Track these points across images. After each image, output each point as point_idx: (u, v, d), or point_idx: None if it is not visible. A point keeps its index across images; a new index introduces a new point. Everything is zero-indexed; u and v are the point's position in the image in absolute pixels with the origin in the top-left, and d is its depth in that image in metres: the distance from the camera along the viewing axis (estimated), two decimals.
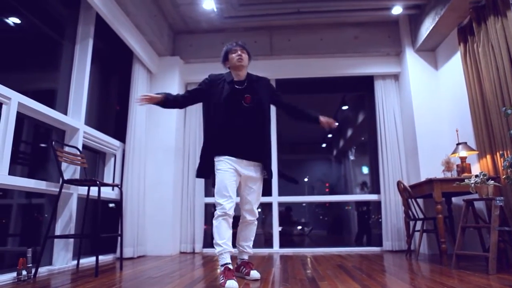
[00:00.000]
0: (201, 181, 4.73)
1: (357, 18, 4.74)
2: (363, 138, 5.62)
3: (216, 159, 2.42)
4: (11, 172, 2.57)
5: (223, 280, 2.09)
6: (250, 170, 2.46)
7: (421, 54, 4.53)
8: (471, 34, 3.58)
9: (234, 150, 2.41)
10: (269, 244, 4.70)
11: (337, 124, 2.64)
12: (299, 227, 5.89)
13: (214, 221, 2.32)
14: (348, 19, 4.77)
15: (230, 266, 2.21)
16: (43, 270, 2.79)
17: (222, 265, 2.22)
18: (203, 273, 2.70)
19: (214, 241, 2.31)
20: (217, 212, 2.31)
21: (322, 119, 2.62)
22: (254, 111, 2.46)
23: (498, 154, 3.11)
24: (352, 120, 6.21)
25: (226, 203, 2.30)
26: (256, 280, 2.36)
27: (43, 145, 3.18)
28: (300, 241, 5.92)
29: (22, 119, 2.80)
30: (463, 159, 3.45)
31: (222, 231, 2.28)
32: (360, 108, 5.64)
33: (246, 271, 2.42)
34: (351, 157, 6.44)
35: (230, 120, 2.41)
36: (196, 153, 4.77)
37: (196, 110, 4.93)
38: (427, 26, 4.09)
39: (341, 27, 4.87)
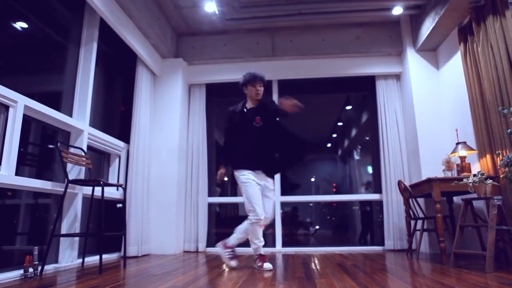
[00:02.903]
0: (205, 181, 4.80)
1: (358, 19, 4.77)
2: (367, 138, 5.64)
3: (238, 172, 2.90)
4: (20, 173, 2.66)
5: (260, 263, 2.78)
6: (266, 181, 2.95)
7: (422, 54, 4.55)
8: (471, 34, 3.59)
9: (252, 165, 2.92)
10: (272, 243, 4.75)
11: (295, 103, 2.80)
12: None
13: (249, 226, 2.84)
14: (350, 20, 4.80)
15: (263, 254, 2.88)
16: (49, 268, 2.88)
17: (257, 255, 2.87)
18: (206, 271, 2.76)
19: (250, 240, 2.90)
20: (251, 219, 2.80)
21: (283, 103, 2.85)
22: (262, 130, 2.96)
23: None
24: (356, 120, 6.23)
25: (260, 210, 2.80)
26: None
27: (50, 146, 3.26)
28: (305, 241, 5.95)
29: (29, 121, 2.88)
30: (462, 158, 3.47)
31: (258, 232, 2.87)
32: (363, 108, 5.66)
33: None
34: (356, 157, 6.46)
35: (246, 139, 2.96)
36: (199, 153, 4.84)
37: (199, 111, 5.00)
38: (428, 26, 4.10)
39: (343, 27, 4.90)
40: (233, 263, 2.92)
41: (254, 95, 3.00)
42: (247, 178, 2.84)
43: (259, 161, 2.92)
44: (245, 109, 3.02)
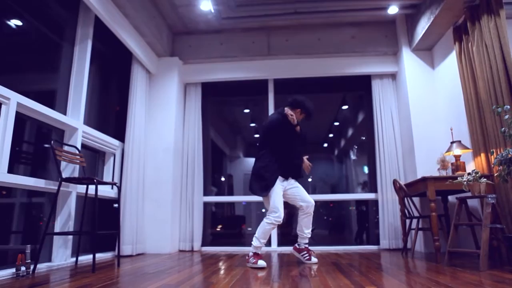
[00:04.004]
0: (200, 180, 4.79)
1: (354, 18, 4.78)
2: (363, 138, 5.65)
3: None
4: (14, 171, 2.64)
5: (255, 260, 2.83)
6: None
7: (418, 54, 4.56)
8: (466, 33, 3.61)
9: None
10: (268, 242, 4.74)
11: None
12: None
13: (266, 224, 2.94)
14: (345, 19, 4.81)
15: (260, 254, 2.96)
16: (42, 267, 2.86)
17: (253, 253, 2.91)
18: (200, 269, 2.75)
19: (256, 237, 2.96)
20: (272, 219, 2.93)
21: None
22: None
23: None
24: (352, 120, 6.23)
25: (282, 213, 2.95)
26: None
27: (46, 145, 3.24)
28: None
29: (24, 120, 2.86)
30: (457, 157, 3.47)
31: (268, 234, 2.96)
32: (360, 108, 5.67)
33: (308, 257, 3.05)
34: (353, 157, 6.46)
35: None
36: (195, 152, 4.83)
37: (194, 109, 4.98)
38: (423, 25, 4.11)
39: (339, 27, 4.91)
40: (314, 259, 3.10)
41: (298, 120, 3.22)
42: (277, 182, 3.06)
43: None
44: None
